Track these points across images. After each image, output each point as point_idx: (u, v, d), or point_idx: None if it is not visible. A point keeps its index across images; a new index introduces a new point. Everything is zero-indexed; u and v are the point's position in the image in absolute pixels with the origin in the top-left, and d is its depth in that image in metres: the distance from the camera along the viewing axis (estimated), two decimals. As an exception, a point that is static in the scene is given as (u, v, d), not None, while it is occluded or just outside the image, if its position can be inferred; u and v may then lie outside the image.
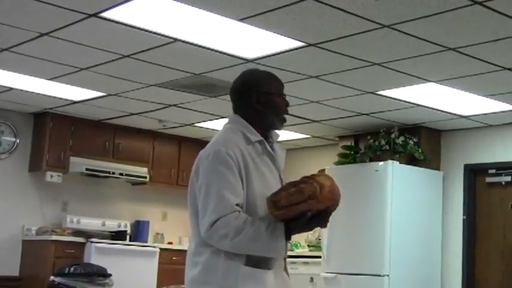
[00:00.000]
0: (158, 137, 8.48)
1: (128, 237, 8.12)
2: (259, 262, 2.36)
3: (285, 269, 2.52)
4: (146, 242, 8.25)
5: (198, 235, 2.41)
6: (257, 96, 2.51)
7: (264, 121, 2.52)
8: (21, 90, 6.73)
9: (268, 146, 2.51)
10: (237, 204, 2.32)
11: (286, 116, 2.57)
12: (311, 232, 7.38)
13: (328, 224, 2.39)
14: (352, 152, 7.62)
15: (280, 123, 2.55)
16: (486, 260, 7.10)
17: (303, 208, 2.26)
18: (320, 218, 2.32)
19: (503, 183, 7.05)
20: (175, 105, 7.05)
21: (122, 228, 8.17)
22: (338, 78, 5.68)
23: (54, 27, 4.80)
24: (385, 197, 6.86)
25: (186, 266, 2.50)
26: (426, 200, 7.22)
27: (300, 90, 6.10)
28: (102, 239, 7.61)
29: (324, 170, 7.16)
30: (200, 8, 4.29)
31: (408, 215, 6.99)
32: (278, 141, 2.62)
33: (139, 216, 8.50)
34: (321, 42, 4.81)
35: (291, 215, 2.29)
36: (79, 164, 7.77)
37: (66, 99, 7.05)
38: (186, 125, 8.00)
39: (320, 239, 7.39)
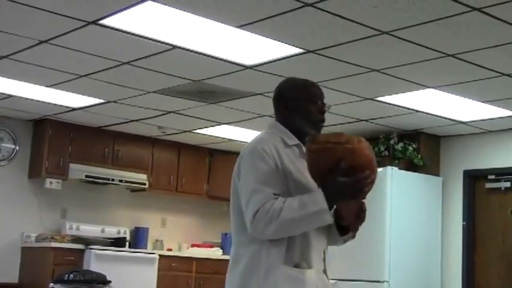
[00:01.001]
0: (157, 143, 8.47)
1: (127, 243, 8.10)
2: (299, 261, 2.39)
3: (325, 272, 2.49)
4: (145, 248, 8.24)
5: (237, 234, 2.47)
6: (285, 102, 2.60)
7: (294, 126, 2.58)
8: (21, 97, 6.73)
9: (303, 150, 2.53)
10: (275, 194, 2.37)
11: (320, 121, 2.59)
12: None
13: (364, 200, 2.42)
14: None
15: (311, 129, 2.57)
16: (486, 266, 7.09)
17: (339, 151, 2.29)
18: (354, 182, 2.30)
19: (503, 188, 7.05)
20: (174, 111, 7.05)
21: (121, 235, 8.16)
22: (336, 84, 5.68)
23: (53, 34, 4.80)
24: (384, 203, 6.85)
25: (228, 269, 2.51)
26: (426, 206, 7.22)
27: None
28: (101, 245, 7.60)
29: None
30: (199, 15, 4.29)
31: (408, 220, 6.99)
32: None
33: (138, 222, 8.49)
34: (320, 49, 4.82)
35: (326, 157, 2.31)
36: (78, 170, 7.77)
37: (65, 106, 7.06)
38: (185, 131, 8.00)
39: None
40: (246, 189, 2.41)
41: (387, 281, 6.71)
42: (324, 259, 2.49)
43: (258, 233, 2.35)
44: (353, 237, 2.55)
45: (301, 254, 2.39)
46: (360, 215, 2.47)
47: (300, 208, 2.31)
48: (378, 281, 6.72)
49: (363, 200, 2.46)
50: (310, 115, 2.57)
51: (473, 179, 7.27)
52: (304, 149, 2.50)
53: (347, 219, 2.47)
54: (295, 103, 2.58)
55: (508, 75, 5.26)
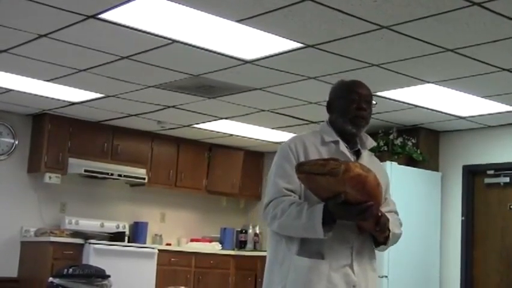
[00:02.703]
0: (156, 138, 8.47)
1: (126, 238, 8.11)
2: (312, 252, 2.46)
3: (351, 266, 2.48)
4: (144, 243, 8.24)
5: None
6: (329, 103, 2.73)
7: (336, 125, 2.67)
8: (20, 91, 6.73)
9: (343, 147, 2.61)
10: (288, 189, 2.51)
11: (359, 117, 2.63)
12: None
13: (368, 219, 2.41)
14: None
15: (349, 125, 2.63)
16: (484, 261, 7.10)
17: (321, 182, 2.32)
18: (358, 209, 2.33)
19: (502, 184, 7.05)
20: (173, 106, 7.04)
21: (120, 230, 8.17)
22: (336, 79, 5.57)
23: (52, 28, 4.80)
24: (384, 198, 6.85)
25: None
26: (425, 201, 7.22)
27: (298, 91, 6.10)
28: (100, 240, 7.60)
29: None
30: (198, 9, 4.29)
31: (407, 216, 6.90)
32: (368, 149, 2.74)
33: (137, 217, 8.49)
34: (320, 44, 4.81)
35: (312, 187, 2.39)
36: (77, 165, 7.77)
37: (64, 101, 7.05)
38: (185, 126, 8.00)
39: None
40: (268, 182, 2.63)
41: (386, 276, 6.72)
42: (352, 254, 2.50)
43: (266, 222, 2.57)
44: (385, 245, 2.61)
45: (315, 246, 2.45)
46: (377, 229, 2.48)
47: (297, 218, 2.42)
48: (378, 276, 6.72)
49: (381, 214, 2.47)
50: (347, 112, 2.63)
51: (473, 174, 7.28)
52: (341, 147, 2.61)
53: (367, 230, 2.50)
54: (335, 102, 2.69)
55: (507, 70, 5.25)
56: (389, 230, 2.54)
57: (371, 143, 2.73)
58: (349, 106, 2.63)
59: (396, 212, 2.76)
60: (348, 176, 2.26)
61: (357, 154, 2.68)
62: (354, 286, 2.49)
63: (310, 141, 2.62)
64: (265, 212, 2.54)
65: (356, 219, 2.40)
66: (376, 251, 2.68)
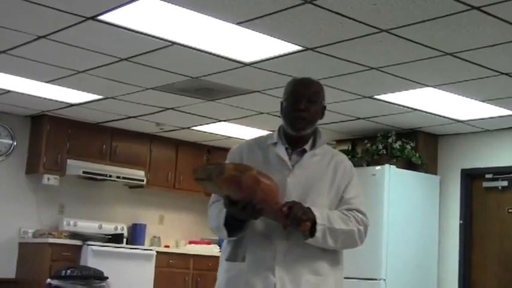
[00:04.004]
0: (155, 140, 8.47)
1: (125, 240, 8.10)
2: (239, 257, 2.53)
3: (272, 270, 2.45)
4: (143, 245, 8.23)
5: None
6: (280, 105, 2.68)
7: (284, 127, 2.65)
8: (19, 92, 6.73)
9: (279, 149, 2.59)
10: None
11: (296, 119, 2.57)
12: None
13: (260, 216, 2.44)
14: (349, 156, 7.61)
15: (289, 127, 2.60)
16: (482, 265, 7.10)
17: (206, 186, 2.46)
18: (239, 206, 2.39)
19: (500, 188, 7.05)
20: (172, 108, 7.04)
21: (119, 231, 8.16)
22: (335, 82, 5.68)
23: (51, 30, 4.79)
24: (382, 201, 6.86)
25: None
26: (423, 205, 7.22)
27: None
28: (99, 242, 7.59)
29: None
30: (197, 12, 4.29)
31: (405, 219, 7.00)
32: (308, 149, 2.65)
33: (135, 219, 8.49)
34: (319, 47, 4.82)
35: (207, 191, 2.55)
36: (75, 166, 7.76)
37: (63, 102, 7.05)
38: (183, 128, 8.00)
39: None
40: None
41: (384, 279, 6.72)
42: (275, 258, 2.46)
43: None
44: (313, 238, 2.47)
45: (242, 250, 2.52)
46: (289, 222, 2.43)
47: (213, 220, 2.58)
48: (375, 279, 6.73)
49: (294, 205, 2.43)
50: (286, 114, 2.60)
51: (471, 177, 7.28)
52: (278, 148, 2.60)
53: (283, 224, 2.46)
54: (282, 104, 2.64)
55: (506, 74, 5.26)
56: (313, 223, 2.43)
57: (322, 142, 2.65)
58: (288, 107, 2.59)
59: (358, 210, 2.61)
60: (221, 179, 2.36)
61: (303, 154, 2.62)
62: None
63: (253, 145, 2.65)
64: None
65: (244, 216, 2.42)
66: (341, 255, 2.63)
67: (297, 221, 2.41)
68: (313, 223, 2.44)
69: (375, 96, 6.13)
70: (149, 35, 4.77)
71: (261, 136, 2.74)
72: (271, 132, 2.71)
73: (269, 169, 2.51)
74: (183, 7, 4.22)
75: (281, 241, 2.48)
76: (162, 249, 8.23)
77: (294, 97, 2.58)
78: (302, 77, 2.69)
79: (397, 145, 7.19)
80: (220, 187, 2.40)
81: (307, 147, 2.63)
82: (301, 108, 2.55)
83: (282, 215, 2.40)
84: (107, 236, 7.88)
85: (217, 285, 2.60)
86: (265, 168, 2.49)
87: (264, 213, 2.42)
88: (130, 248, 7.84)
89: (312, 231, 2.45)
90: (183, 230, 8.91)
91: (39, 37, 4.97)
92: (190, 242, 8.71)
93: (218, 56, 5.15)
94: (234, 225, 2.46)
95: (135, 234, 8.34)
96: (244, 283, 2.47)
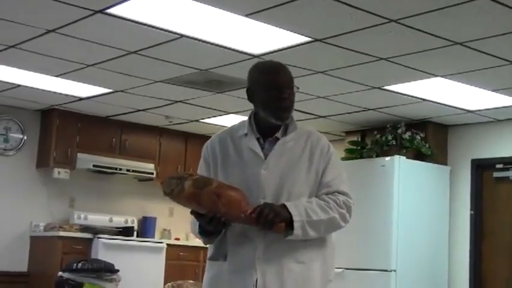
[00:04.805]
0: (164, 133, 8.49)
1: (135, 233, 8.14)
2: (221, 256, 2.50)
3: (253, 266, 2.40)
4: (153, 238, 8.27)
5: None
6: (248, 92, 2.55)
7: (259, 116, 2.53)
8: (28, 87, 6.75)
9: (251, 140, 2.50)
10: None
11: (281, 109, 2.46)
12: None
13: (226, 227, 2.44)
14: (359, 148, 7.61)
15: (273, 119, 2.48)
16: (493, 255, 7.08)
17: (174, 200, 2.44)
18: (205, 220, 2.40)
19: (511, 178, 7.03)
20: (181, 101, 7.05)
21: (129, 224, 8.20)
22: (344, 73, 5.67)
23: (60, 23, 4.80)
24: (392, 192, 6.85)
25: None
26: (433, 195, 7.21)
27: (307, 85, 6.09)
28: (109, 235, 7.63)
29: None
30: (206, 4, 4.28)
31: (415, 210, 6.98)
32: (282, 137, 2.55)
33: (146, 212, 8.52)
34: (328, 38, 4.80)
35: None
36: (86, 160, 7.79)
37: (73, 96, 7.07)
38: (192, 121, 8.01)
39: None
40: None
41: (395, 270, 6.71)
42: (255, 254, 2.41)
43: None
44: (290, 234, 2.40)
45: (223, 249, 2.49)
46: (260, 228, 2.39)
47: (192, 224, 2.54)
48: (386, 270, 6.73)
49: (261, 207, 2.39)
50: (268, 104, 2.46)
51: (481, 168, 7.25)
52: (252, 138, 2.51)
53: (257, 227, 2.42)
54: (255, 93, 2.50)
55: (516, 63, 5.23)
56: (288, 221, 2.38)
57: (294, 127, 2.53)
58: (269, 98, 2.44)
59: (339, 192, 2.52)
60: (182, 197, 2.39)
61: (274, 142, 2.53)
62: (253, 286, 2.40)
63: (225, 138, 2.57)
64: None
65: (212, 228, 2.42)
66: (317, 244, 2.49)
67: (269, 225, 2.35)
68: (291, 220, 2.38)
69: (385, 87, 6.11)
70: (158, 28, 4.77)
71: (233, 126, 2.62)
72: (243, 121, 2.59)
73: (242, 163, 2.47)
74: (192, -1, 4.22)
75: (260, 238, 2.42)
76: (172, 241, 8.27)
77: (275, 87, 2.44)
78: (271, 63, 2.56)
79: (407, 136, 7.17)
80: (183, 204, 2.43)
81: (279, 134, 2.51)
82: (284, 98, 2.46)
83: (253, 221, 2.36)
84: (117, 229, 7.92)
85: (203, 284, 2.59)
86: (238, 162, 2.47)
87: (234, 222, 2.41)
88: (141, 241, 7.88)
89: (290, 228, 2.39)
90: (193, 223, 8.91)
91: (49, 31, 4.98)
92: (200, 235, 8.72)
93: (227, 48, 5.15)
94: (209, 231, 2.46)
95: (145, 227, 8.37)
96: (226, 282, 2.46)
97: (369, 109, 6.98)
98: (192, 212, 2.44)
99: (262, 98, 2.47)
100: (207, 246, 2.59)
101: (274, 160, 2.48)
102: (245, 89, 2.57)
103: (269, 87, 2.45)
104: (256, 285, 2.40)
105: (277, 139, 2.52)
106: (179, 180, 2.38)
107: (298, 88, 2.54)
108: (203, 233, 2.48)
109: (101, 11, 4.50)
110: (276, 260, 2.42)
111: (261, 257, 2.42)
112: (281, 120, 2.49)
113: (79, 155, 7.80)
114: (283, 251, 2.43)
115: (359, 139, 7.79)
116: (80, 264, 6.77)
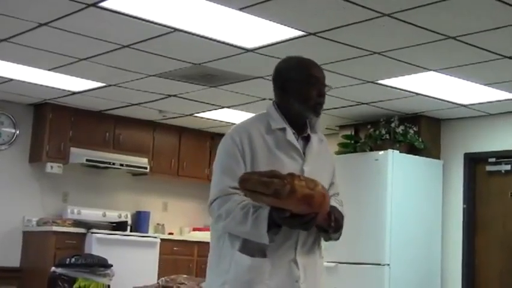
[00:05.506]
0: (158, 127, 8.48)
1: (129, 227, 8.13)
2: (254, 250, 2.35)
3: (295, 261, 2.40)
4: (146, 232, 8.26)
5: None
6: (283, 83, 2.51)
7: (291, 109, 2.49)
8: (21, 81, 6.72)
9: (290, 135, 2.46)
10: (233, 187, 2.35)
11: (320, 104, 2.48)
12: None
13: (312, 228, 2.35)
14: (352, 142, 7.62)
15: (310, 113, 2.48)
16: (486, 249, 7.11)
17: (265, 201, 2.23)
18: (302, 221, 2.26)
19: (503, 171, 7.06)
20: (175, 95, 7.04)
21: (122, 219, 8.19)
22: (337, 67, 5.67)
23: (53, 17, 4.78)
24: (385, 186, 6.86)
25: None
26: (426, 189, 7.23)
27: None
28: (103, 229, 7.62)
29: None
30: (199, -3, 4.27)
31: (409, 204, 7.00)
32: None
33: (139, 206, 8.51)
34: (321, 32, 4.80)
35: (256, 201, 2.28)
36: (79, 154, 7.77)
37: (66, 90, 7.04)
38: (186, 115, 8.00)
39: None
40: (213, 175, 2.51)
41: (388, 264, 6.73)
42: (296, 248, 2.40)
43: (212, 219, 2.49)
44: (337, 238, 2.48)
45: (259, 243, 2.33)
46: (331, 231, 2.41)
47: (242, 223, 2.31)
48: (379, 264, 6.75)
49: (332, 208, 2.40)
50: (309, 99, 2.46)
51: (474, 162, 7.28)
52: (288, 134, 2.45)
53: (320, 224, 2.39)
54: (293, 85, 2.48)
55: (509, 57, 5.24)
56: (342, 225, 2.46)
57: (319, 126, 2.56)
58: (310, 92, 2.45)
59: (337, 194, 2.63)
60: (293, 198, 2.17)
61: (307, 139, 2.51)
62: (297, 281, 2.39)
63: (256, 130, 2.44)
64: (210, 209, 2.46)
65: (299, 229, 2.34)
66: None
67: (338, 228, 2.42)
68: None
69: (378, 81, 6.11)
70: (151, 22, 4.76)
71: (258, 116, 2.54)
72: (263, 113, 2.53)
73: (282, 158, 2.42)
74: (185, -7, 4.21)
75: (298, 235, 2.41)
76: (166, 236, 8.26)
77: (315, 82, 2.47)
78: (308, 59, 2.58)
79: (400, 130, 7.19)
80: (288, 205, 2.20)
81: (308, 131, 2.52)
82: (324, 94, 2.49)
83: (326, 222, 2.37)
84: (111, 224, 7.91)
85: (231, 277, 2.37)
86: (278, 158, 2.41)
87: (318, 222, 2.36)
88: (134, 236, 7.87)
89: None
90: (187, 217, 8.93)
91: (41, 24, 4.96)
92: (194, 229, 8.73)
93: (220, 42, 5.14)
94: (273, 228, 2.31)
95: (139, 222, 8.36)
96: (267, 279, 2.36)
97: (363, 103, 6.99)
98: (282, 213, 2.23)
99: (304, 91, 2.46)
100: (208, 241, 2.54)
101: (312, 157, 2.50)
102: (273, 79, 2.55)
103: (312, 83, 2.47)
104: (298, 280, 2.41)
105: (309, 136, 2.53)
106: (281, 181, 2.17)
107: (331, 87, 2.57)
108: (272, 229, 2.30)
109: (94, 5, 4.48)
110: (310, 255, 2.47)
111: (300, 251, 2.43)
112: (318, 115, 2.51)
113: (72, 149, 7.77)
114: (312, 247, 2.48)
115: (353, 133, 7.80)
116: (73, 259, 6.77)
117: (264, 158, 2.41)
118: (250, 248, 2.36)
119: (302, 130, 2.51)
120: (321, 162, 2.53)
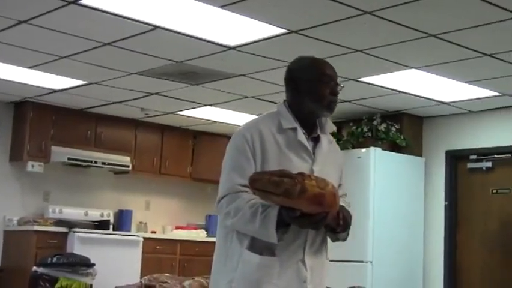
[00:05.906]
0: (140, 125, 8.44)
1: (111, 226, 8.08)
2: (263, 248, 2.34)
3: (303, 261, 2.40)
4: (129, 231, 8.22)
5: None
6: (296, 83, 2.52)
7: (305, 108, 2.49)
8: (1, 79, 6.66)
9: (300, 135, 2.46)
10: (243, 185, 2.35)
11: (334, 103, 2.49)
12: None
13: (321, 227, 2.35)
14: (335, 139, 7.63)
15: (324, 111, 2.50)
16: (467, 246, 7.17)
17: (275, 201, 2.23)
18: (312, 221, 2.25)
19: (484, 168, 7.11)
20: (157, 93, 7.01)
21: (105, 218, 8.14)
22: (320, 65, 5.66)
23: (33, 14, 4.74)
24: (368, 184, 6.89)
25: None
26: (409, 186, 7.27)
27: (282, 77, 6.08)
28: (85, 228, 7.57)
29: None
30: (181, -5, 4.26)
31: (391, 201, 7.04)
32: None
33: (122, 205, 8.47)
34: (303, 29, 4.80)
35: (266, 200, 2.27)
36: (60, 153, 7.71)
37: (46, 88, 6.99)
38: (168, 113, 7.97)
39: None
40: (222, 172, 2.49)
41: (371, 261, 6.77)
42: (304, 248, 2.40)
43: (220, 217, 2.47)
44: (344, 238, 2.52)
45: (263, 242, 2.32)
46: (338, 230, 2.43)
47: (250, 222, 2.30)
48: (362, 261, 6.78)
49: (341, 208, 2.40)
50: (323, 97, 2.47)
51: (455, 159, 7.33)
52: (299, 134, 2.45)
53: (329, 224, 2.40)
54: (306, 84, 2.49)
55: (489, 55, 5.27)
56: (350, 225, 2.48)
57: (330, 127, 2.58)
58: (324, 91, 2.47)
59: (345, 195, 2.65)
60: (304, 198, 2.17)
61: (317, 140, 2.52)
62: (304, 282, 2.39)
63: (267, 128, 2.44)
64: (218, 207, 2.45)
65: (309, 228, 2.34)
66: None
67: (346, 225, 2.43)
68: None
69: (360, 79, 6.13)
70: (132, 19, 4.73)
71: (269, 114, 2.53)
72: (273, 112, 2.53)
73: (291, 157, 2.42)
74: (166, -10, 4.19)
75: (307, 235, 2.41)
76: (149, 235, 8.23)
77: (328, 81, 2.48)
78: (321, 59, 2.59)
79: (382, 127, 7.22)
80: (298, 205, 2.19)
81: (318, 131, 2.53)
82: (337, 93, 2.51)
83: (335, 222, 2.37)
84: (93, 223, 7.86)
85: (239, 275, 2.35)
86: (288, 157, 2.41)
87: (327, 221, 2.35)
88: (117, 235, 7.83)
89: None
90: (170, 216, 8.90)
91: (21, 22, 4.91)
92: (177, 228, 8.71)
93: (202, 39, 5.12)
94: (282, 227, 2.30)
95: (121, 221, 8.32)
96: (276, 279, 2.35)
97: (345, 101, 7.01)
98: (292, 212, 2.22)
99: (317, 90, 2.47)
100: (214, 240, 2.52)
101: (322, 158, 2.51)
102: (285, 78, 2.55)
103: (325, 81, 2.48)
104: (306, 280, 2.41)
105: (319, 136, 2.54)
106: (292, 179, 2.16)
107: (343, 86, 2.57)
108: (280, 228, 2.29)
109: (75, 2, 4.45)
110: (318, 255, 2.47)
111: (308, 251, 2.42)
112: (331, 113, 2.52)
113: (54, 148, 7.72)
114: (320, 247, 2.49)
115: (335, 131, 7.80)
116: (55, 259, 6.72)
117: (274, 157, 2.41)
118: (259, 247, 2.35)
119: (312, 131, 2.53)
120: (330, 162, 2.55)
